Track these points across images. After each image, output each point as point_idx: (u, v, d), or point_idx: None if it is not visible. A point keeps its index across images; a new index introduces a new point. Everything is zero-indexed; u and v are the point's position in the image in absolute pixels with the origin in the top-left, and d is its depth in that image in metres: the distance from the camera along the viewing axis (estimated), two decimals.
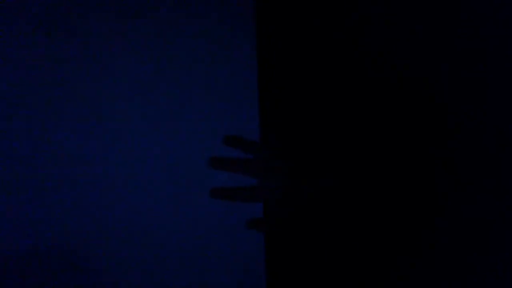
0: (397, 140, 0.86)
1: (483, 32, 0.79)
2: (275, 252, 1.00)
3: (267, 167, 0.94)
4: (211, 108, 1.11)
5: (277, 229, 0.95)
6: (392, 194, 0.86)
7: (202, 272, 1.09)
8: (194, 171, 1.11)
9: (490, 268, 0.78)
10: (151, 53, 1.11)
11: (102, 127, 1.10)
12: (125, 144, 1.10)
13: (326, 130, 0.94)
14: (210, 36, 1.12)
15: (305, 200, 0.94)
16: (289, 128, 0.99)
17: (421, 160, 0.84)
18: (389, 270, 0.86)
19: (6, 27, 1.08)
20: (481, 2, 0.79)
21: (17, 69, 1.08)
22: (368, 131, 0.89)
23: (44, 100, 1.09)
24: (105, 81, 1.10)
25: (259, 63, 1.05)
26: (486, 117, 0.79)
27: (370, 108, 0.89)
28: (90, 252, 1.10)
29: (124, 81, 1.10)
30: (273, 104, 1.03)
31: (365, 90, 0.89)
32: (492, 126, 0.78)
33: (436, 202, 0.83)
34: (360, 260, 0.89)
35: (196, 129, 1.11)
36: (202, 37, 1.12)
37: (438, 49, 0.83)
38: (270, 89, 1.04)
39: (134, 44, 1.11)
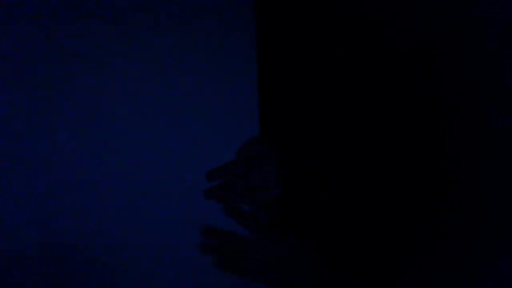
0: (397, 138, 0.86)
1: (484, 31, 0.79)
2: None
3: (267, 166, 0.94)
4: (211, 108, 1.11)
5: (277, 228, 0.95)
6: (393, 193, 0.86)
7: (202, 272, 1.09)
8: (194, 171, 1.11)
9: (490, 268, 0.78)
10: (151, 53, 1.11)
11: (102, 128, 1.10)
12: (124, 144, 1.10)
13: (326, 129, 0.94)
14: (210, 36, 1.11)
15: (306, 199, 0.93)
16: (290, 127, 0.99)
17: (420, 159, 0.84)
18: (390, 269, 0.86)
19: (6, 27, 1.08)
20: (481, 2, 0.78)
21: (17, 69, 1.08)
22: (369, 129, 0.89)
23: (44, 100, 1.09)
24: (104, 82, 1.10)
25: (259, 63, 1.05)
26: (486, 117, 0.78)
27: (370, 106, 0.89)
28: (90, 252, 1.10)
29: (123, 81, 1.10)
30: (273, 104, 1.03)
31: (365, 88, 0.89)
32: (492, 126, 0.78)
33: (436, 201, 0.83)
34: (362, 259, 0.89)
35: (195, 129, 1.11)
36: (202, 37, 1.12)
37: (439, 49, 0.82)
38: (270, 89, 1.04)
39: (133, 44, 1.11)
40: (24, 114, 1.08)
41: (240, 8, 1.11)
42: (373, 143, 0.88)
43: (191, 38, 1.11)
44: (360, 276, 0.88)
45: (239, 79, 1.11)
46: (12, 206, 1.08)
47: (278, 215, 0.95)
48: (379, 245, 0.87)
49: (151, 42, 1.11)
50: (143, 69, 1.11)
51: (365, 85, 0.89)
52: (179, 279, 1.11)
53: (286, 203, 0.94)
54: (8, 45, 1.08)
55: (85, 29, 1.09)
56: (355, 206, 0.89)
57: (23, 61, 1.08)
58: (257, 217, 0.96)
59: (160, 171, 1.10)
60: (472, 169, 0.79)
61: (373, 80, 0.88)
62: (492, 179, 0.77)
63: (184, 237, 1.09)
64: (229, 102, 1.11)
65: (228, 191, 0.96)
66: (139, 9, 1.11)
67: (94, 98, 1.10)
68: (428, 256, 0.82)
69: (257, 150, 0.95)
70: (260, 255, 0.92)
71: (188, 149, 1.11)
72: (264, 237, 0.93)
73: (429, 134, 0.83)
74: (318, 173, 0.92)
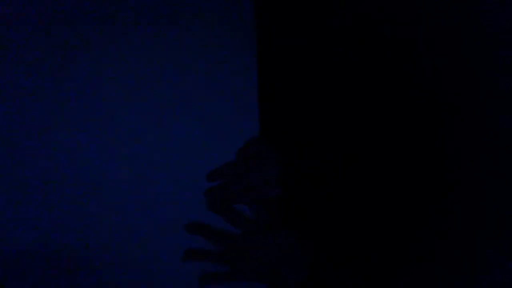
0: (397, 138, 0.86)
1: (484, 31, 0.79)
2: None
3: (267, 166, 0.94)
4: (211, 108, 1.11)
5: (277, 228, 0.95)
6: (393, 192, 0.86)
7: (201, 272, 1.09)
8: (194, 171, 1.11)
9: (490, 268, 0.78)
10: (151, 53, 1.11)
11: (101, 128, 1.10)
12: (124, 145, 1.10)
13: (326, 129, 0.94)
14: (210, 36, 1.12)
15: (306, 199, 0.94)
16: (290, 127, 0.99)
17: (420, 159, 0.84)
18: (390, 269, 0.86)
19: (6, 27, 1.08)
20: (482, 3, 0.78)
21: (17, 69, 1.08)
22: (369, 129, 0.89)
23: (43, 100, 1.09)
24: (104, 81, 1.10)
25: (259, 63, 1.05)
26: (486, 117, 0.79)
27: (370, 106, 0.89)
28: (89, 253, 1.10)
29: (123, 81, 1.10)
30: (273, 104, 1.03)
31: (365, 89, 0.89)
32: (492, 126, 0.78)
33: (435, 201, 0.83)
34: (362, 259, 0.89)
35: (196, 129, 1.11)
36: (202, 37, 1.12)
37: (439, 50, 0.82)
38: (270, 89, 1.04)
39: (133, 44, 1.11)
40: (24, 113, 1.08)
41: (240, 8, 1.11)
42: (373, 143, 0.88)
43: (191, 38, 1.11)
44: (360, 276, 0.88)
45: (239, 79, 1.11)
46: (12, 206, 1.08)
47: (278, 215, 0.95)
48: (379, 245, 0.87)
49: (151, 42, 1.11)
50: (143, 69, 1.11)
51: (365, 85, 0.89)
52: (178, 279, 1.11)
53: (286, 203, 0.95)
54: (8, 44, 1.08)
55: (85, 29, 1.09)
56: (355, 206, 0.89)
57: (23, 60, 1.08)
58: (257, 217, 0.96)
59: (160, 171, 1.10)
60: (472, 169, 0.79)
61: (373, 80, 0.88)
62: (492, 179, 0.77)
63: (183, 237, 1.09)
64: (229, 102, 1.11)
65: (228, 191, 0.96)
66: (139, 9, 1.11)
67: (93, 98, 1.10)
68: (428, 256, 0.82)
69: (257, 150, 0.96)
70: (260, 255, 0.92)
71: (188, 149, 1.11)
72: (264, 237, 0.93)
73: (429, 134, 0.83)
74: (318, 173, 0.92)
